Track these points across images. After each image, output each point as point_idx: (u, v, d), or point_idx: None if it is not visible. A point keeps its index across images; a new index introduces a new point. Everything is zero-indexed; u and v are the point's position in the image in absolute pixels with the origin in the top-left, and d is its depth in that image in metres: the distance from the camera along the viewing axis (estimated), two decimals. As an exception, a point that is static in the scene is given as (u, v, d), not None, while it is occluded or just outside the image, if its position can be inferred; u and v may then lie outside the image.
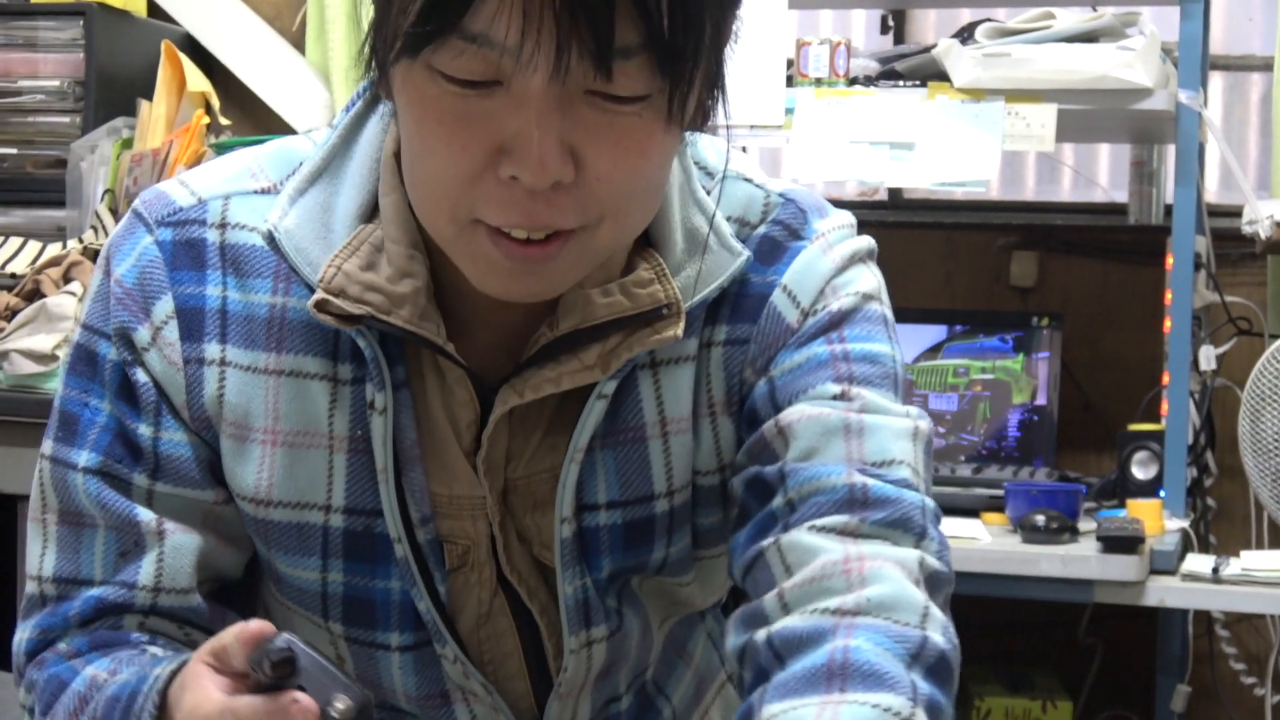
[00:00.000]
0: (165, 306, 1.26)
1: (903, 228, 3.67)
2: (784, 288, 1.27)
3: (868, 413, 1.23)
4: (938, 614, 1.17)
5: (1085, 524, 2.81)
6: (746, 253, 1.27)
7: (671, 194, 1.26)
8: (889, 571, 1.17)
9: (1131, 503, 2.89)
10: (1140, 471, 2.99)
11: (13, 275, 2.96)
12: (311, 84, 3.70)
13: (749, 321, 1.27)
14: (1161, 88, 2.92)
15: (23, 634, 1.31)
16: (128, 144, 3.40)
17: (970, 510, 2.96)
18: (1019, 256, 3.62)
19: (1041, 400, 3.30)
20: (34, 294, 2.94)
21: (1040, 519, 2.73)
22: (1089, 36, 2.96)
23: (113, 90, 3.48)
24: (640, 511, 1.30)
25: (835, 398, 1.24)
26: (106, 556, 1.28)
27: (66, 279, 2.95)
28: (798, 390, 1.25)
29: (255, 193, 1.28)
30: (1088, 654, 3.49)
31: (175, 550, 1.28)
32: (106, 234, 3.19)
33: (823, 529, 1.20)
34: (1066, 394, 3.40)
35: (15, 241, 3.12)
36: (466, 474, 1.28)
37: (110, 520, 1.28)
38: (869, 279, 1.30)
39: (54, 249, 3.12)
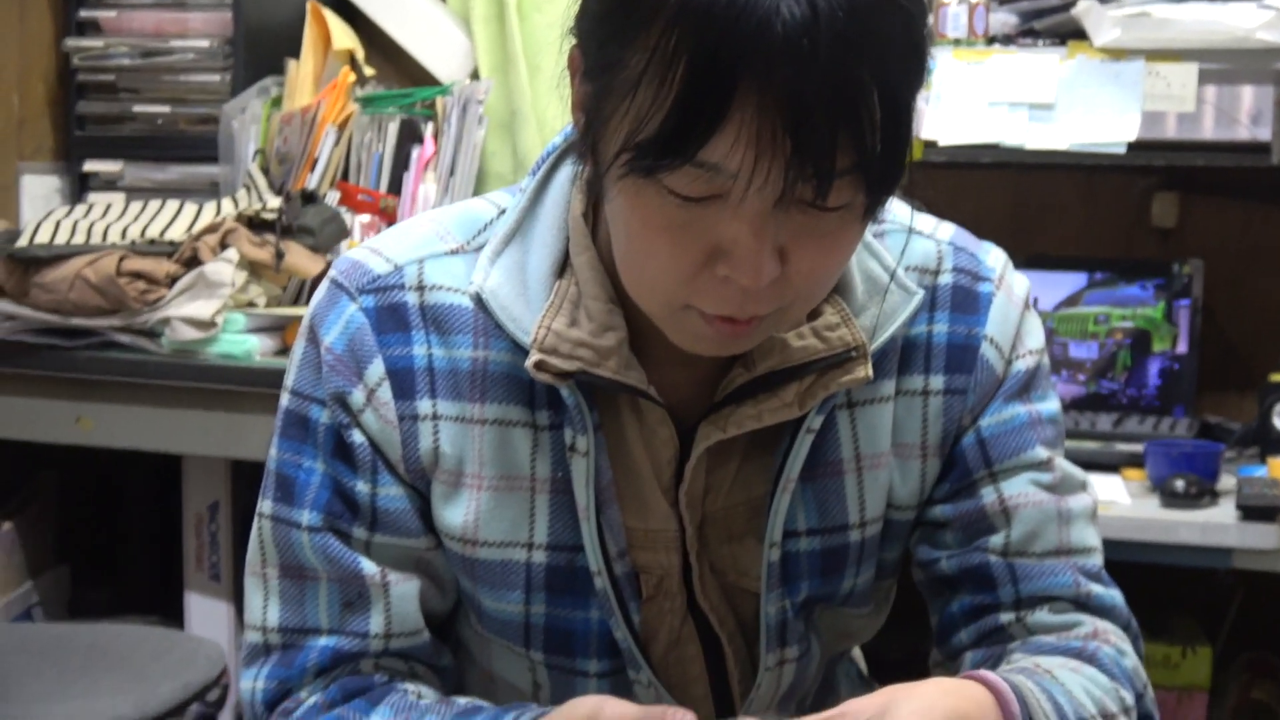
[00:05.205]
0: (377, 369, 1.35)
1: (1042, 169, 3.65)
2: (990, 340, 1.41)
3: (1069, 493, 1.42)
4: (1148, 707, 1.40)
5: (1225, 480, 2.82)
6: (920, 292, 1.37)
7: None
8: (1129, 651, 1.41)
9: (1273, 461, 2.89)
10: (1282, 424, 2.99)
11: (171, 242, 3.04)
12: (453, 33, 3.74)
13: (965, 373, 1.40)
14: (1305, 44, 2.89)
15: (255, 683, 1.39)
16: (277, 103, 3.47)
17: (1111, 465, 2.98)
18: (1160, 198, 3.59)
19: (1182, 348, 3.30)
20: (193, 260, 3.02)
21: (1180, 484, 2.74)
22: (1231, -7, 2.92)
23: (260, 49, 3.54)
24: (836, 540, 1.40)
25: (1042, 465, 1.41)
26: (331, 607, 1.38)
27: (223, 245, 3.03)
28: (1011, 449, 1.41)
29: (446, 254, 1.38)
30: (1227, 595, 3.50)
31: (401, 598, 1.38)
32: (260, 195, 3.27)
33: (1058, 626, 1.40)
34: (1208, 339, 3.39)
35: (171, 206, 3.20)
36: (662, 509, 1.37)
37: (335, 573, 1.37)
38: (1038, 328, 1.45)
39: (209, 209, 3.20)
